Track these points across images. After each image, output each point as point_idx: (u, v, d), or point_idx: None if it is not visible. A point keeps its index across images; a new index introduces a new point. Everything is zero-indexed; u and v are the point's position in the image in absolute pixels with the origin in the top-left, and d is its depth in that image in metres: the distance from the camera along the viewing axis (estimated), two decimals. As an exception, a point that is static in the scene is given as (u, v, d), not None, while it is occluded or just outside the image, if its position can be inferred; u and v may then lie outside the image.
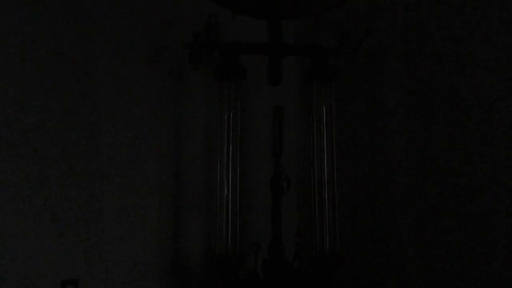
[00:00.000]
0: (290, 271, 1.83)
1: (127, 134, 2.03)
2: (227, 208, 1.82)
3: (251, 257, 1.85)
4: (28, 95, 1.81)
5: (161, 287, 2.07)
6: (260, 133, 2.32)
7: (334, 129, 1.97)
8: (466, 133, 1.85)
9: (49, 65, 1.86)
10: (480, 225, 1.80)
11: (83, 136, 1.92)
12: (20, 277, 1.75)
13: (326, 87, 1.94)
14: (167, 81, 2.15)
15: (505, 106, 1.74)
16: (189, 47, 1.86)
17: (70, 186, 1.88)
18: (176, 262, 2.11)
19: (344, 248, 2.18)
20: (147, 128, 2.08)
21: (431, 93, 2.00)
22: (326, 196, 1.91)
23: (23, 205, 1.78)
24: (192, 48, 1.86)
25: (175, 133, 2.16)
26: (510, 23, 1.74)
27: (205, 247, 2.13)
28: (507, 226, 1.72)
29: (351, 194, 2.26)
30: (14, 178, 1.77)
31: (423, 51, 2.03)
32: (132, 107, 2.05)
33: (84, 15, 1.95)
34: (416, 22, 2.07)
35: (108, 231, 1.95)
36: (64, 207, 1.86)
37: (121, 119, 2.02)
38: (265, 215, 2.05)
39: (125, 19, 2.05)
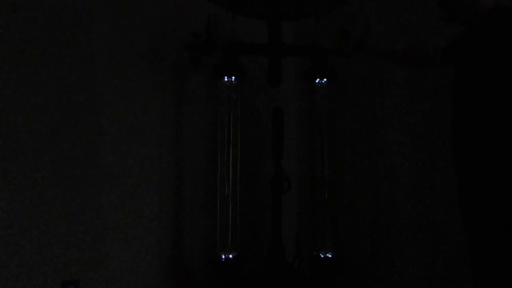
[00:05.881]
0: (290, 271, 1.83)
1: (127, 135, 2.03)
2: (227, 208, 1.82)
3: (251, 257, 1.86)
4: (28, 96, 1.81)
5: (161, 287, 2.07)
6: (260, 133, 2.33)
7: (334, 129, 1.97)
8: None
9: (50, 66, 1.87)
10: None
11: (84, 137, 1.92)
12: (21, 277, 1.75)
13: (325, 87, 1.95)
14: (167, 81, 2.15)
15: None
16: (189, 48, 1.86)
17: (70, 187, 1.88)
18: (176, 262, 2.11)
19: (344, 249, 2.19)
20: (147, 128, 2.08)
21: (431, 93, 2.01)
22: (326, 196, 1.91)
23: (24, 205, 1.78)
24: (192, 49, 1.86)
25: (176, 133, 2.16)
26: None
27: (206, 247, 2.13)
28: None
29: (351, 194, 2.26)
30: (15, 179, 1.77)
31: (423, 50, 2.03)
32: (132, 108, 2.05)
33: (84, 16, 1.95)
34: (416, 22, 2.07)
35: (108, 232, 1.95)
36: (65, 207, 1.86)
37: (121, 119, 2.02)
38: (265, 215, 2.05)
39: (125, 20, 2.05)
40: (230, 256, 1.79)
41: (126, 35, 2.04)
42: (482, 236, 1.52)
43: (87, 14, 1.96)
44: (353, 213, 2.25)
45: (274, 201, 1.85)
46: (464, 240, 1.60)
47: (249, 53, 1.92)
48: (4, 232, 1.74)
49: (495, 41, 1.51)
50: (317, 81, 1.94)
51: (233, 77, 1.86)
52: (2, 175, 1.75)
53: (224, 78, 1.86)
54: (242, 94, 1.90)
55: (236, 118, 1.87)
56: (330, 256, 1.86)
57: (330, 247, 1.87)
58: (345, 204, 2.26)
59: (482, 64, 1.53)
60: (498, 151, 1.48)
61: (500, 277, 1.48)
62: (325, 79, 1.93)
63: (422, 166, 2.01)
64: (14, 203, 1.76)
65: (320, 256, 1.86)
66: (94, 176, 1.93)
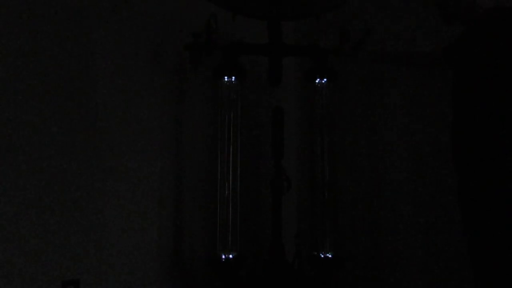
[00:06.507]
0: (290, 271, 1.83)
1: (127, 135, 2.03)
2: (227, 208, 1.82)
3: (251, 257, 1.86)
4: (28, 95, 1.81)
5: (161, 287, 2.07)
6: (260, 133, 2.33)
7: (334, 129, 1.97)
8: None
9: (50, 66, 1.87)
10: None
11: (84, 137, 1.92)
12: (21, 277, 1.76)
13: (326, 87, 1.95)
14: (168, 81, 2.15)
15: None
16: (189, 48, 1.86)
17: (71, 187, 1.88)
18: (176, 262, 2.11)
19: (344, 249, 2.19)
20: (147, 128, 2.08)
21: (431, 93, 2.01)
22: (326, 196, 1.91)
23: (24, 206, 1.78)
24: (192, 49, 1.86)
25: (176, 133, 2.17)
26: None
27: (206, 247, 2.13)
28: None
29: (351, 194, 2.26)
30: (15, 179, 1.77)
31: (422, 51, 2.04)
32: (132, 108, 2.05)
33: (84, 16, 1.95)
34: (416, 22, 2.07)
35: (109, 232, 1.96)
36: (65, 208, 1.86)
37: (121, 119, 2.02)
38: (265, 215, 2.05)
39: (125, 20, 2.05)
40: (230, 256, 1.79)
41: (126, 35, 2.05)
42: (482, 236, 1.53)
43: (87, 14, 1.96)
44: (353, 213, 2.25)
45: (274, 201, 1.85)
46: (464, 240, 1.61)
47: (249, 53, 1.92)
48: (4, 232, 1.74)
49: (495, 41, 1.51)
50: (317, 81, 1.94)
51: (233, 77, 1.86)
52: (1, 175, 1.75)
53: (224, 78, 1.86)
54: (242, 94, 1.90)
55: (236, 118, 1.87)
56: (330, 256, 1.86)
57: (330, 247, 1.87)
58: (345, 204, 2.26)
59: (482, 64, 1.53)
60: (498, 151, 1.48)
61: (500, 277, 1.48)
62: (325, 79, 1.93)
63: (422, 166, 2.01)
64: (13, 203, 1.76)
65: (320, 256, 1.86)
66: (94, 176, 1.94)
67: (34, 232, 1.79)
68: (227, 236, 1.80)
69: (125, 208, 2.00)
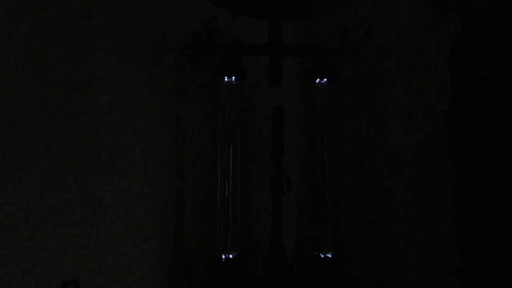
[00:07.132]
0: (290, 271, 1.83)
1: (127, 135, 2.03)
2: (227, 209, 1.82)
3: (251, 257, 1.85)
4: (27, 94, 1.81)
5: (162, 287, 2.07)
6: (260, 133, 2.33)
7: (334, 129, 1.97)
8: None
9: (49, 65, 1.87)
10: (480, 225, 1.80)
11: (83, 137, 1.93)
12: (21, 277, 1.76)
13: (326, 87, 1.95)
14: (168, 81, 2.15)
15: None
16: (189, 48, 1.86)
17: (71, 187, 1.88)
18: (176, 262, 2.11)
19: (344, 249, 2.19)
20: (147, 128, 2.08)
21: (431, 93, 2.01)
22: (326, 196, 1.91)
23: (24, 206, 1.78)
24: (192, 49, 1.86)
25: (175, 133, 2.17)
26: None
27: (206, 247, 2.13)
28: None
29: (351, 194, 2.26)
30: (15, 179, 1.77)
31: (422, 51, 2.04)
32: (132, 108, 2.05)
33: (84, 15, 1.95)
34: (416, 22, 2.07)
35: (108, 232, 1.96)
36: (65, 208, 1.86)
37: (121, 120, 2.02)
38: (265, 215, 2.05)
39: (125, 19, 2.05)
40: (230, 256, 1.79)
41: (126, 35, 2.05)
42: (482, 236, 1.53)
43: (87, 14, 1.96)
44: (353, 213, 2.25)
45: (274, 201, 1.85)
46: (464, 240, 1.61)
47: (249, 53, 1.92)
48: (4, 233, 1.74)
49: (493, 40, 1.51)
50: (317, 81, 1.94)
51: (233, 77, 1.86)
52: (1, 177, 1.75)
53: (224, 78, 1.86)
54: (242, 94, 1.90)
55: (236, 118, 1.87)
56: (330, 256, 1.86)
57: (330, 247, 1.87)
58: (346, 204, 2.26)
59: (481, 64, 1.53)
60: (498, 151, 1.48)
61: (500, 277, 1.48)
62: (325, 79, 1.93)
63: (423, 165, 2.01)
64: (13, 204, 1.76)
65: (320, 256, 1.86)
66: (94, 176, 1.94)
67: (34, 232, 1.79)
68: (227, 236, 1.80)
69: (125, 208, 2.00)
